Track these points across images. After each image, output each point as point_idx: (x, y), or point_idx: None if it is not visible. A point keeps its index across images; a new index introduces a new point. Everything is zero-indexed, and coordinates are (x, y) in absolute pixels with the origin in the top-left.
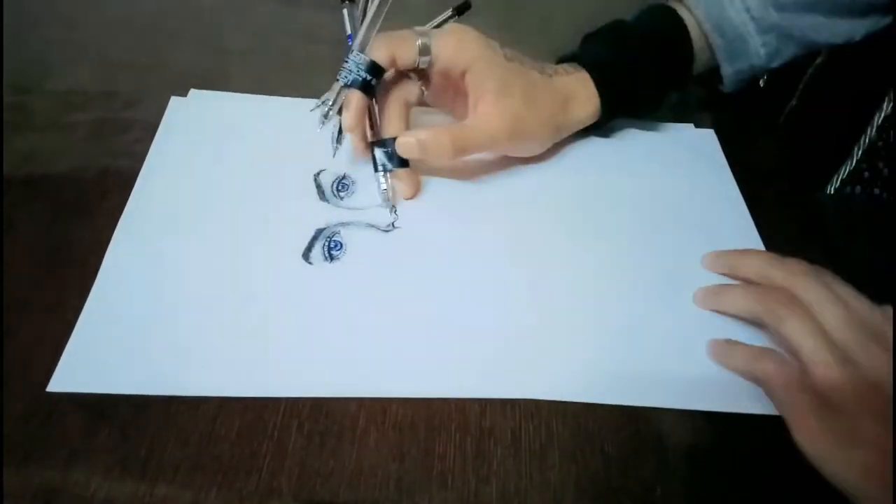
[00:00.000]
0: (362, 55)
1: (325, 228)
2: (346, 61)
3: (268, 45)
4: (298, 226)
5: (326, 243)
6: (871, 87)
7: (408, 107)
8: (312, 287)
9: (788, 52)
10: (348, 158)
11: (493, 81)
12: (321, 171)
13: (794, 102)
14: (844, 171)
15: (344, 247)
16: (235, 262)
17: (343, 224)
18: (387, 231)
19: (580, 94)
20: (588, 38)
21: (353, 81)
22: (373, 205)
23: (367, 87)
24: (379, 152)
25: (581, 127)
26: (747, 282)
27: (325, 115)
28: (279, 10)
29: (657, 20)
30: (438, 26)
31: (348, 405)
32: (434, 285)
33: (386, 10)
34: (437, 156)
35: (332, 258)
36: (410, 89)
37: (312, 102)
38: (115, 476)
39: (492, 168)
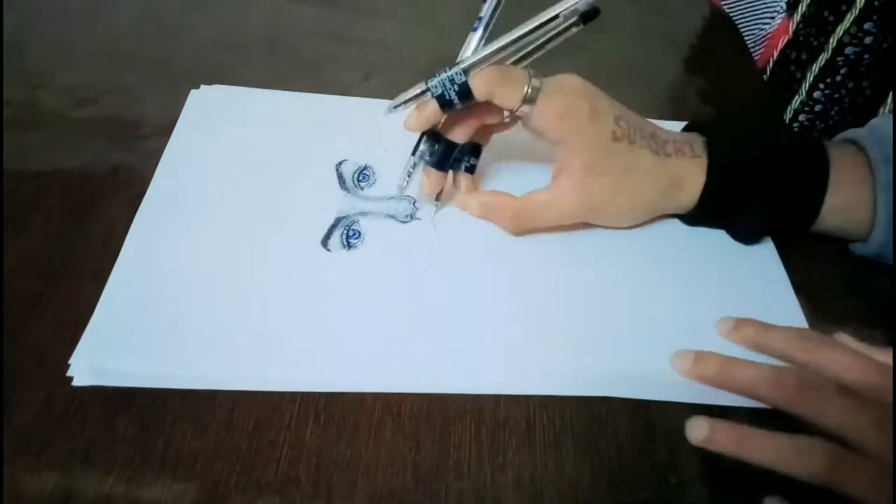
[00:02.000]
0: (464, 77)
1: (344, 217)
2: (446, 70)
3: (273, 40)
4: (319, 213)
5: (345, 231)
6: (878, 90)
7: (480, 123)
8: (328, 273)
9: None
10: (369, 147)
11: (586, 159)
12: (343, 160)
13: (803, 97)
14: None
15: (362, 235)
16: (254, 248)
17: (362, 213)
18: (405, 222)
19: (691, 178)
20: (728, 125)
21: (438, 95)
22: (393, 195)
23: (448, 105)
24: (425, 143)
25: (682, 210)
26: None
27: (394, 107)
28: (283, 6)
29: (804, 160)
30: (559, 34)
31: (364, 396)
32: (448, 279)
33: (517, 46)
34: (497, 222)
35: (349, 246)
36: (493, 114)
37: (332, 98)
38: (134, 467)
39: (521, 172)
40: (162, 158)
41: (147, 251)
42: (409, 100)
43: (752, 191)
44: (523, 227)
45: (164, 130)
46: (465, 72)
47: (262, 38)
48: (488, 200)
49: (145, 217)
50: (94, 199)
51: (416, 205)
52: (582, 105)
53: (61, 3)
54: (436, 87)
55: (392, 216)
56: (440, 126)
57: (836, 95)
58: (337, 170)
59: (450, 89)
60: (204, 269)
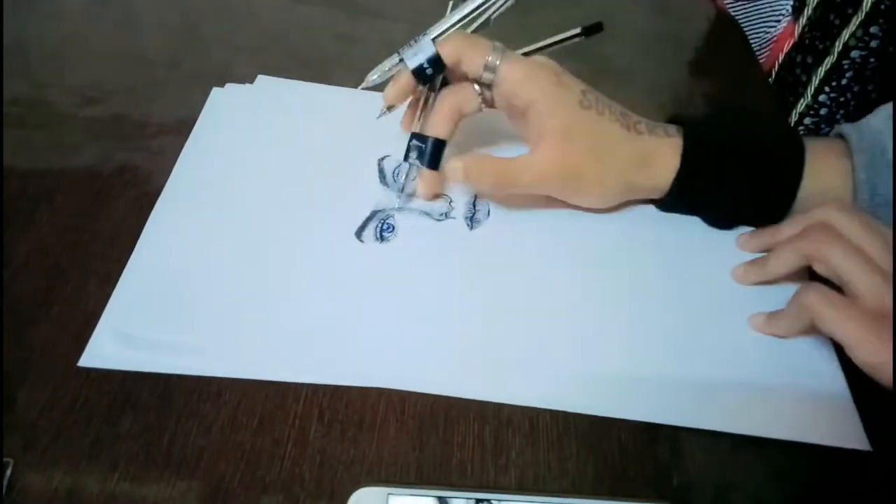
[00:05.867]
0: (431, 43)
1: (380, 210)
2: (416, 40)
3: (279, 40)
4: (357, 205)
5: (380, 224)
6: (884, 94)
7: (459, 114)
8: (358, 264)
9: None
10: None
11: (557, 123)
12: (386, 156)
13: (808, 101)
14: None
15: (396, 229)
16: (288, 233)
17: (399, 208)
18: (439, 220)
19: (663, 157)
20: (706, 116)
21: (410, 62)
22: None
23: (421, 73)
24: (414, 146)
25: (657, 194)
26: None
27: (370, 81)
28: (290, 6)
29: (785, 151)
30: (559, 42)
31: (368, 394)
32: (473, 281)
33: (480, 14)
34: (478, 185)
35: (382, 239)
36: (469, 99)
37: (351, 92)
38: (139, 463)
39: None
40: (188, 143)
41: (172, 232)
42: (388, 69)
43: (726, 174)
44: (504, 189)
45: (171, 129)
46: (434, 41)
47: (269, 38)
48: (470, 164)
49: (164, 206)
50: (100, 198)
51: (451, 204)
52: (546, 72)
53: (68, 3)
54: (407, 55)
55: (427, 213)
56: (422, 127)
57: (842, 99)
58: (379, 164)
59: (420, 56)
60: (231, 251)
